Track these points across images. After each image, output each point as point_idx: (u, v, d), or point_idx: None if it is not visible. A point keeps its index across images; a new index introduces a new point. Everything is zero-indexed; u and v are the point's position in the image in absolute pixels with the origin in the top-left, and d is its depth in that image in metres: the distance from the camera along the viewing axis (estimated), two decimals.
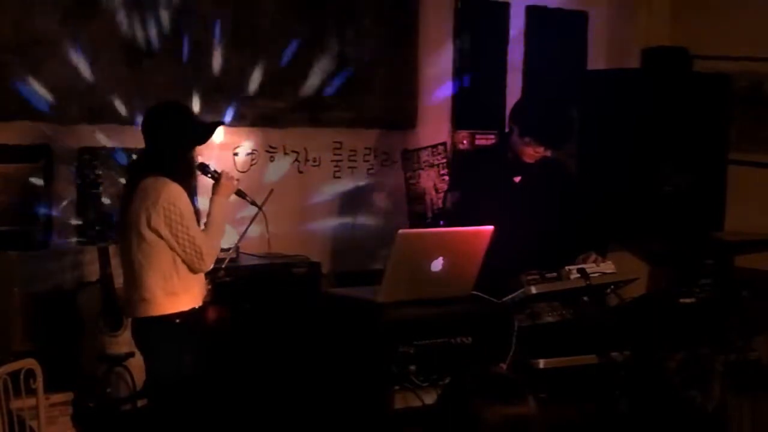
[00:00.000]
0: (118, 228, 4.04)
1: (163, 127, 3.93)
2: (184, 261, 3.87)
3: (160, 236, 3.81)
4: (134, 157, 4.33)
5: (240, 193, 4.21)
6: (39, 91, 4.83)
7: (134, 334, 4.03)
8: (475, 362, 3.63)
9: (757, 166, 6.19)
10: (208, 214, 3.98)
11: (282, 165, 5.56)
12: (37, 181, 4.87)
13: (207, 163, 4.13)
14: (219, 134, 4.86)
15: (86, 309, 4.72)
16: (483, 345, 3.71)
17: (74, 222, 4.95)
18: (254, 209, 4.44)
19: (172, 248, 3.84)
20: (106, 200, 4.87)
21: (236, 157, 5.37)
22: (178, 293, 3.90)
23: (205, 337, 4.09)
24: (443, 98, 6.03)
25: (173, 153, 3.92)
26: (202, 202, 4.09)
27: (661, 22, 6.61)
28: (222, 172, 4.11)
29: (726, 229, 6.22)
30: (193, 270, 3.91)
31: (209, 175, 4.08)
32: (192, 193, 3.96)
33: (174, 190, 3.82)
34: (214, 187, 4.05)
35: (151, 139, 3.96)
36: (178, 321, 3.89)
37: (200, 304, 4.01)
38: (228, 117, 5.30)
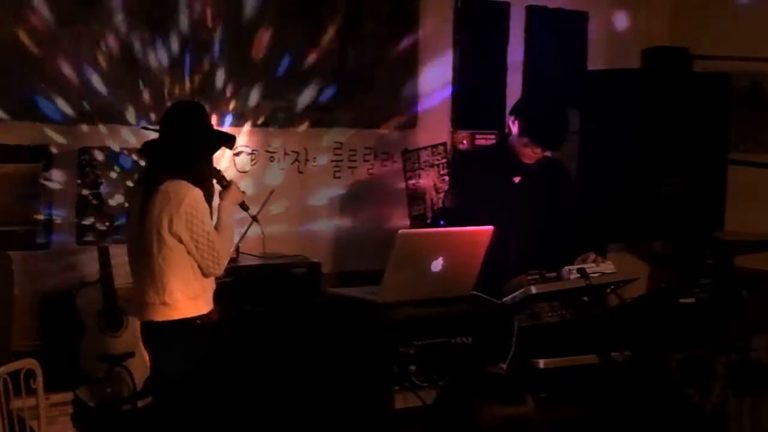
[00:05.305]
0: (130, 229, 4.02)
1: (190, 129, 3.91)
2: (199, 265, 3.87)
3: (180, 240, 3.81)
4: (140, 148, 4.28)
5: (243, 206, 4.22)
6: (39, 91, 4.83)
7: (148, 336, 3.99)
8: (475, 362, 3.63)
9: (757, 166, 6.19)
10: (218, 219, 3.98)
11: (282, 165, 5.56)
12: (37, 181, 4.87)
13: (219, 169, 4.14)
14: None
15: (86, 309, 4.73)
16: (483, 345, 3.71)
17: (74, 222, 4.95)
18: (254, 209, 4.45)
19: (190, 253, 3.83)
20: (106, 200, 4.87)
21: (237, 158, 5.37)
22: (198, 297, 3.91)
23: (213, 338, 4.10)
24: (443, 98, 6.03)
25: (197, 157, 3.92)
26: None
27: (661, 22, 6.61)
28: (231, 180, 4.13)
29: (726, 229, 6.22)
30: (207, 274, 3.91)
31: (218, 182, 4.08)
32: (210, 197, 3.96)
33: (196, 196, 3.81)
34: (222, 194, 4.05)
35: (174, 139, 3.92)
36: (198, 322, 3.90)
37: (212, 306, 4.02)
38: (229, 117, 5.32)
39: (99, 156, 4.95)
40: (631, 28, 6.59)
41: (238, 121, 5.37)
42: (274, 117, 5.48)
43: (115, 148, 5.02)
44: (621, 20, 6.57)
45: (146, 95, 5.08)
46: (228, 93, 5.32)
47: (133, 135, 5.05)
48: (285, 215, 5.48)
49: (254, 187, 5.27)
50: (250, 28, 5.36)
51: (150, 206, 3.82)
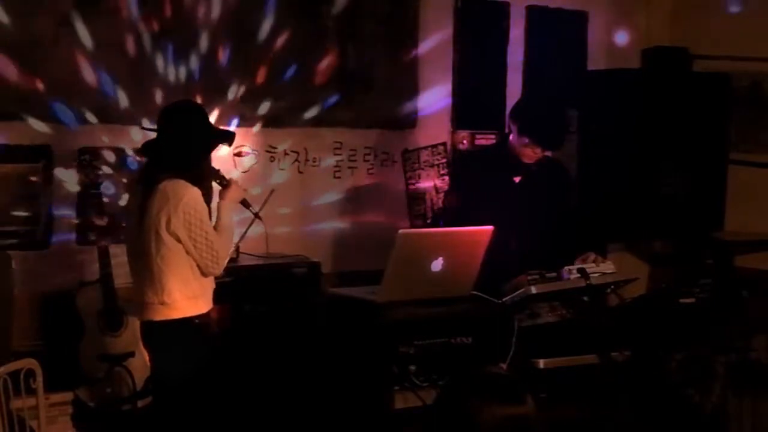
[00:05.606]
0: (129, 229, 4.01)
1: (187, 128, 3.91)
2: (198, 265, 3.86)
3: (179, 240, 3.80)
4: (138, 148, 4.27)
5: (244, 203, 4.21)
6: (39, 91, 4.83)
7: (148, 336, 3.99)
8: (475, 362, 3.63)
9: (757, 166, 6.19)
10: (218, 219, 3.97)
11: (282, 165, 5.56)
12: (37, 181, 4.87)
13: (218, 168, 4.14)
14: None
15: (86, 309, 4.72)
16: (483, 345, 3.72)
17: (74, 222, 4.95)
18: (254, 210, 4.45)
19: (188, 252, 3.83)
20: (106, 200, 4.87)
21: (237, 158, 5.36)
22: (197, 296, 3.90)
23: (213, 338, 4.10)
24: (443, 98, 6.03)
25: (195, 156, 3.92)
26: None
27: (661, 22, 6.61)
28: (231, 179, 4.12)
29: (726, 229, 6.22)
30: (205, 273, 3.90)
31: (218, 181, 4.08)
32: (209, 196, 3.95)
33: (194, 195, 3.81)
34: (222, 193, 4.05)
35: (173, 138, 3.91)
36: (197, 321, 3.90)
37: (212, 305, 4.02)
38: (228, 117, 5.32)
39: (99, 156, 4.94)
40: (631, 28, 6.59)
41: (239, 122, 5.36)
42: (274, 117, 5.48)
43: (129, 151, 5.02)
44: (621, 20, 6.57)
45: (149, 95, 5.08)
46: (229, 94, 5.32)
47: (133, 135, 5.05)
48: (285, 215, 5.47)
49: (254, 188, 5.27)
50: (253, 29, 5.36)
51: (148, 205, 3.82)
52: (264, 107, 5.43)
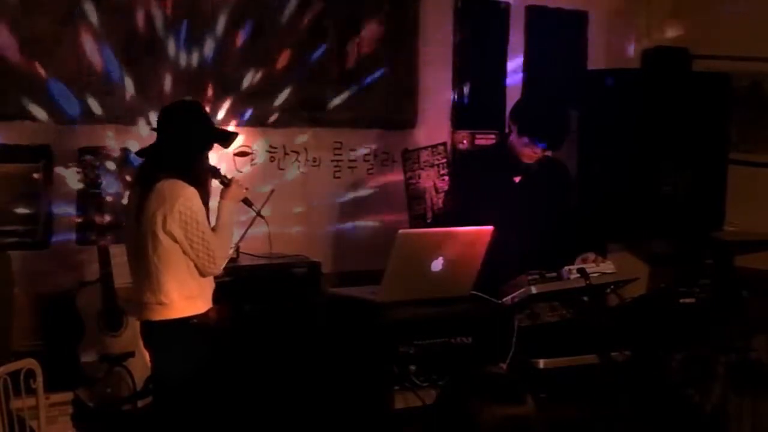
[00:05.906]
0: (128, 229, 4.01)
1: (184, 128, 3.90)
2: (196, 265, 3.86)
3: (175, 240, 3.80)
4: (136, 152, 4.28)
5: (246, 201, 4.20)
6: (39, 90, 4.82)
7: (146, 336, 4.00)
8: (475, 362, 3.64)
9: (757, 166, 6.19)
10: (218, 218, 3.97)
11: (282, 165, 5.55)
12: (37, 181, 4.87)
13: (218, 167, 4.13)
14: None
15: (86, 309, 4.72)
16: (483, 345, 3.72)
17: (74, 221, 4.95)
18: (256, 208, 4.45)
19: (185, 252, 3.83)
20: (106, 200, 4.87)
21: (237, 158, 5.36)
22: (195, 297, 3.90)
23: (212, 338, 4.10)
24: (443, 98, 6.03)
25: (193, 156, 3.91)
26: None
27: (661, 22, 6.61)
28: (232, 178, 4.11)
29: (726, 229, 6.22)
30: (203, 273, 3.90)
31: (219, 180, 4.07)
32: (206, 196, 3.95)
33: (190, 195, 3.81)
34: (223, 192, 4.04)
35: (169, 138, 3.91)
36: (195, 321, 3.90)
37: (211, 305, 4.02)
38: (223, 115, 5.32)
39: (99, 156, 4.94)
40: (631, 28, 6.59)
41: (240, 122, 5.36)
42: (274, 117, 5.48)
43: (132, 147, 5.00)
44: (621, 20, 6.57)
45: (148, 95, 5.08)
46: (229, 92, 5.32)
47: (134, 134, 5.05)
48: (285, 215, 5.47)
49: (254, 187, 5.27)
50: (252, 29, 5.36)
51: (146, 205, 3.82)
52: (264, 107, 5.43)
